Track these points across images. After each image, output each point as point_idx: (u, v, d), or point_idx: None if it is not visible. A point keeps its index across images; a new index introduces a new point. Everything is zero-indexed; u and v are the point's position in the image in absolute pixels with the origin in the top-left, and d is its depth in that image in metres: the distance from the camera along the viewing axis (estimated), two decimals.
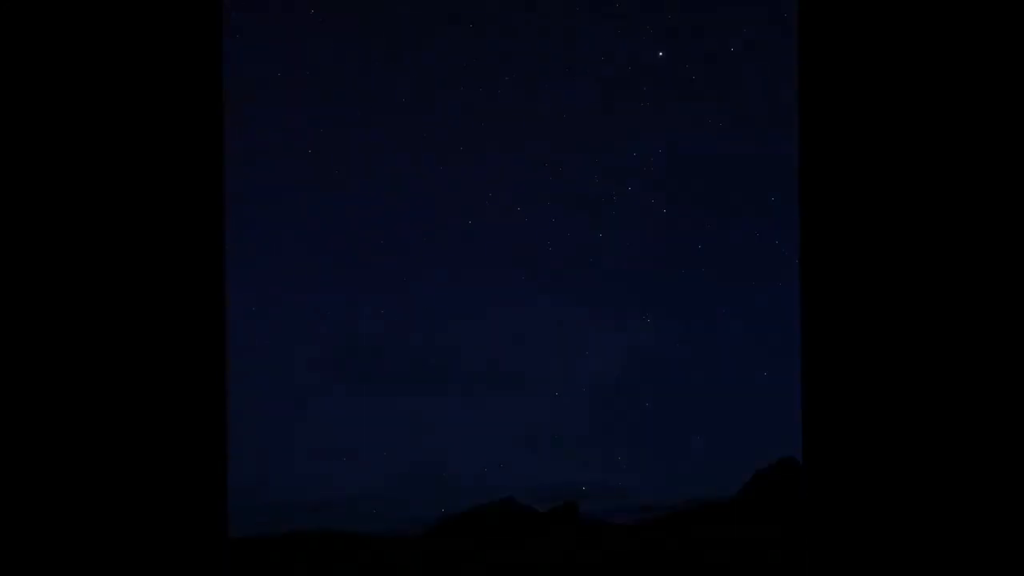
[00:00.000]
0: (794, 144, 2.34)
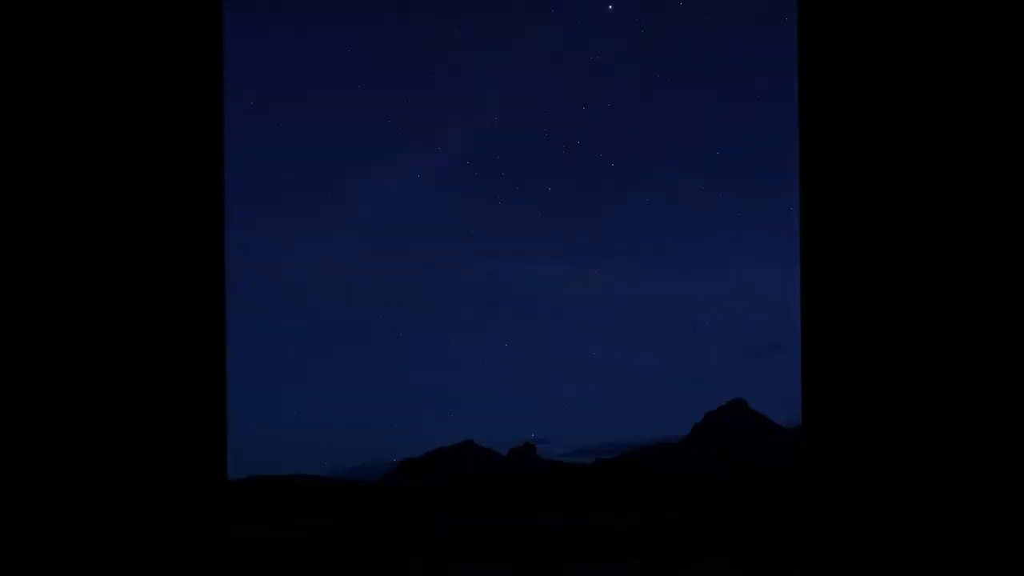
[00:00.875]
0: (794, 144, 2.34)
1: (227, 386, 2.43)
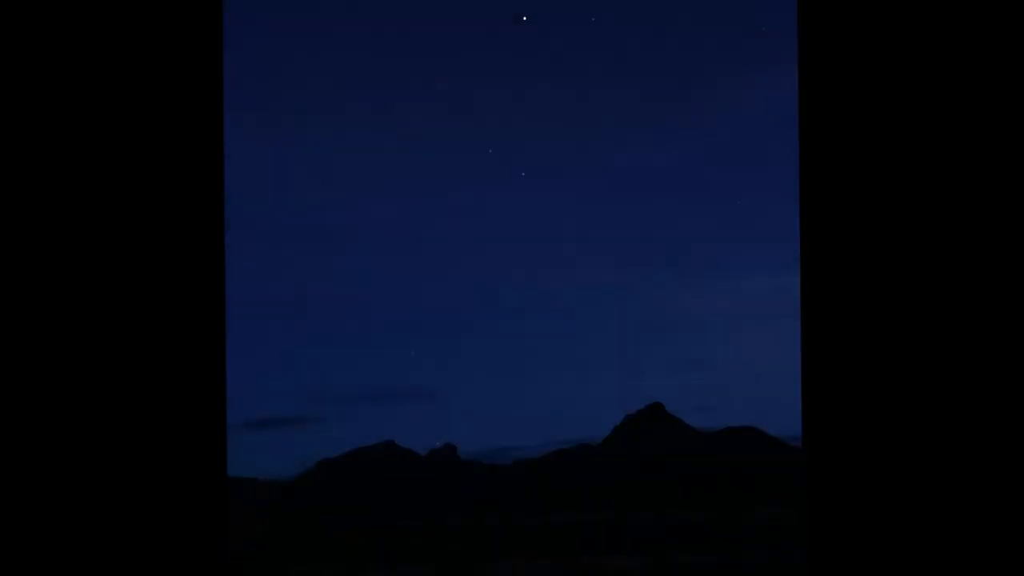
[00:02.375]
0: (794, 144, 2.37)
1: (226, 386, 2.41)
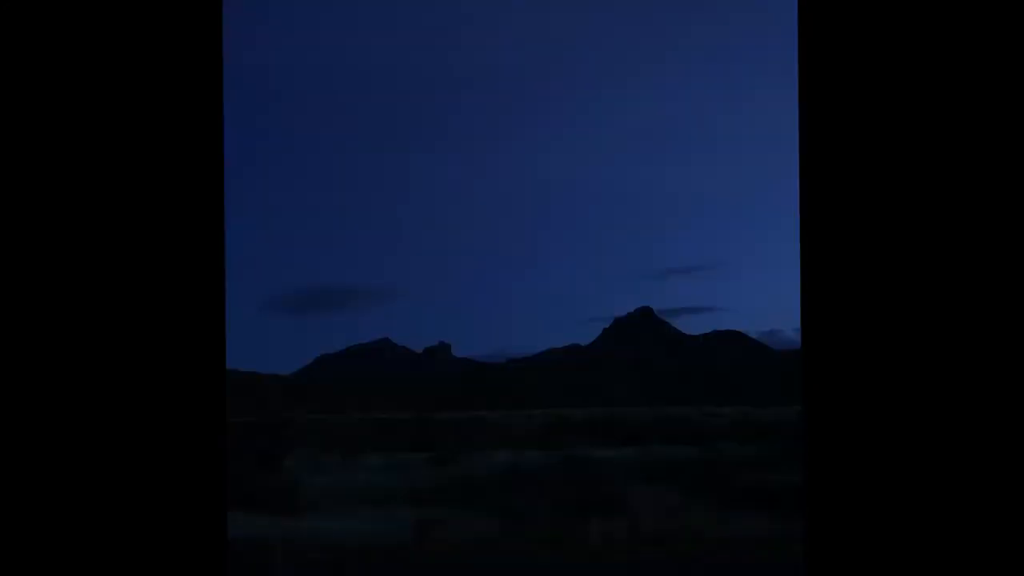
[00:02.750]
0: (794, 145, 2.36)
1: (227, 386, 2.42)
